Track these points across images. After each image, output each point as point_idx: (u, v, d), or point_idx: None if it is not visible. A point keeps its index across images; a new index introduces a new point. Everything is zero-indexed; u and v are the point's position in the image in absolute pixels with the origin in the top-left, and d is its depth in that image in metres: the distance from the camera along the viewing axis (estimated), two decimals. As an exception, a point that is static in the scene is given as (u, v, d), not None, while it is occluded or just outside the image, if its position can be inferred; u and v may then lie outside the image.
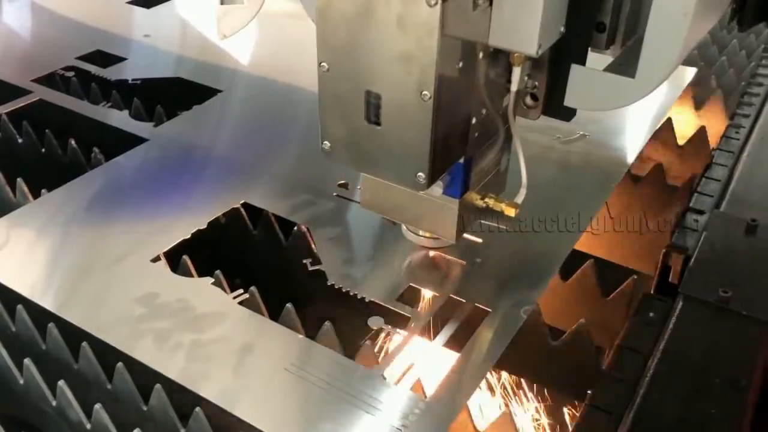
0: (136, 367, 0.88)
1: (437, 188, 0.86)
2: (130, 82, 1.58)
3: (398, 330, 0.96)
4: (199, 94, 1.49)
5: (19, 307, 0.97)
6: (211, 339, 0.91)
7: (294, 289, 1.10)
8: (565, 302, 1.14)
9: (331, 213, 1.14)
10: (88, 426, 0.87)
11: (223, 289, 1.01)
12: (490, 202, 0.93)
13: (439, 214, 0.92)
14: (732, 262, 1.03)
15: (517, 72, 0.80)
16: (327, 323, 0.95)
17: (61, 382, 0.89)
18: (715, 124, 1.49)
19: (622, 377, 0.89)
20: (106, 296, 0.98)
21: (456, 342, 0.92)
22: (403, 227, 1.04)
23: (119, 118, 1.42)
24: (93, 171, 1.26)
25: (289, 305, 0.98)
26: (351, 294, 1.00)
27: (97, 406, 0.86)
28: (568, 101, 0.83)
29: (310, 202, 1.17)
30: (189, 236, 1.08)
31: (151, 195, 1.20)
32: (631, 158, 1.28)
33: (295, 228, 1.12)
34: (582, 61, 0.81)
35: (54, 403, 0.91)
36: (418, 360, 0.90)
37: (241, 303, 0.97)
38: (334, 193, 1.18)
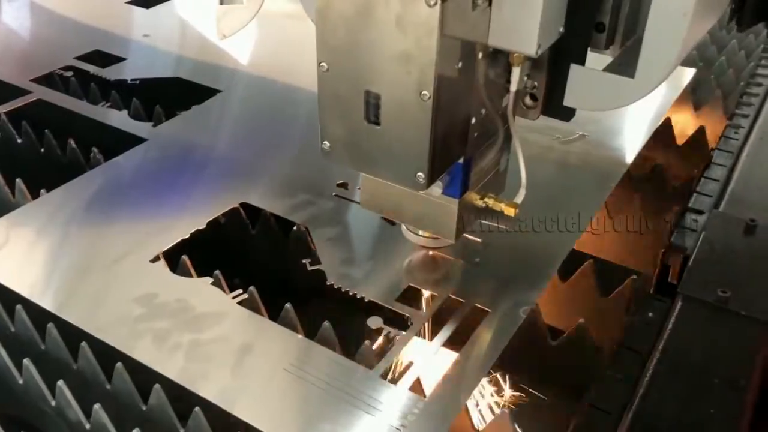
0: (135, 367, 0.88)
1: (437, 188, 0.86)
2: (129, 82, 1.58)
3: (397, 330, 0.96)
4: (198, 94, 1.49)
5: (19, 307, 0.97)
6: (210, 339, 0.91)
7: (293, 289, 1.10)
8: (565, 302, 1.14)
9: (330, 213, 1.14)
10: (87, 426, 0.87)
11: (222, 289, 1.01)
12: (490, 202, 0.93)
13: (438, 214, 0.92)
14: (731, 262, 1.03)
15: (516, 72, 0.80)
16: (326, 323, 0.95)
17: (60, 382, 0.89)
18: (714, 124, 1.49)
19: (622, 377, 0.89)
20: (105, 296, 0.98)
21: (455, 342, 0.92)
22: (403, 227, 1.04)
23: (118, 118, 1.42)
24: (92, 171, 1.26)
25: (288, 305, 0.98)
26: (350, 294, 1.00)
27: (96, 406, 0.86)
28: (568, 101, 0.84)
29: (310, 202, 1.17)
30: (188, 236, 1.08)
31: (151, 195, 1.20)
32: (630, 158, 1.28)
33: (295, 228, 1.12)
34: (581, 61, 0.81)
35: (53, 403, 0.90)
36: (417, 360, 0.90)
37: (240, 303, 0.97)
38: (333, 193, 1.18)
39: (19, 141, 1.41)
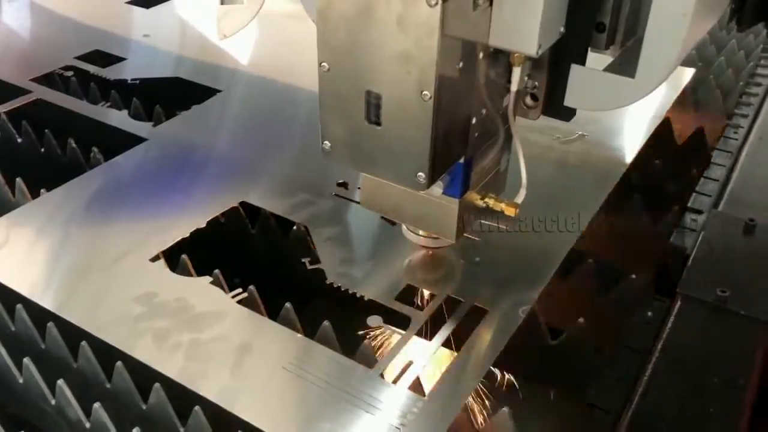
0: (135, 366, 0.88)
1: (437, 188, 0.86)
2: (129, 81, 1.58)
3: (397, 329, 0.97)
4: (198, 94, 1.49)
5: (19, 306, 0.97)
6: (209, 338, 0.91)
7: (293, 289, 1.10)
8: (564, 302, 1.14)
9: (330, 212, 1.14)
10: (87, 425, 0.88)
11: (222, 288, 1.01)
12: (490, 202, 0.93)
13: (439, 214, 0.92)
14: (730, 261, 1.03)
15: (517, 72, 0.80)
16: (326, 322, 0.95)
17: (60, 381, 0.89)
18: (714, 124, 1.49)
19: (621, 376, 0.89)
20: (105, 295, 0.98)
21: (454, 341, 0.92)
22: (403, 227, 1.04)
23: (118, 118, 1.42)
24: (92, 171, 1.26)
25: (287, 304, 0.98)
26: (350, 293, 1.00)
27: (96, 404, 0.86)
28: (568, 101, 0.84)
29: (309, 201, 1.17)
30: (188, 235, 1.08)
31: (150, 194, 1.20)
32: (629, 158, 1.28)
33: (294, 227, 1.12)
34: (582, 61, 0.81)
35: (53, 402, 0.91)
36: (417, 359, 0.90)
37: (239, 302, 0.97)
38: (333, 193, 1.18)
39: (19, 140, 1.41)
